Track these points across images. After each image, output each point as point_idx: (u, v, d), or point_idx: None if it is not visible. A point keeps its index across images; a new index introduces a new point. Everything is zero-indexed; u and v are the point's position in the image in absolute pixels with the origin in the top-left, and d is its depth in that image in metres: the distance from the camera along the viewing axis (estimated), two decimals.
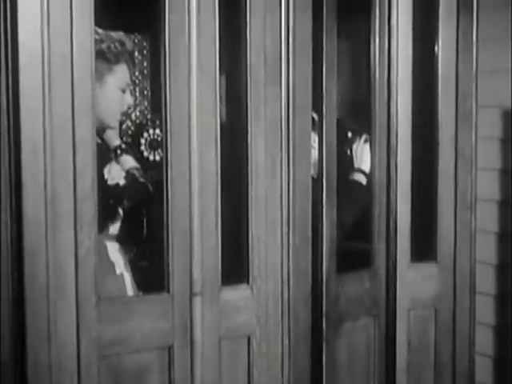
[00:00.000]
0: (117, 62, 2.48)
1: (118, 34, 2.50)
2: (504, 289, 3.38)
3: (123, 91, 2.53)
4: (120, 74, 2.50)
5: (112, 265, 2.53)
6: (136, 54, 3.26)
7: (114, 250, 2.55)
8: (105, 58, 2.44)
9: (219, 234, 2.36)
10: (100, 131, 2.47)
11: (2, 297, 2.05)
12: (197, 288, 2.33)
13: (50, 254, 2.07)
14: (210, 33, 2.31)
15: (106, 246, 2.51)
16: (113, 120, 2.55)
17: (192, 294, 2.32)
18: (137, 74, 3.28)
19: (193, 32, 2.28)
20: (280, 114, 2.45)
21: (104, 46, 2.43)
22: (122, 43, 2.49)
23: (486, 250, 3.33)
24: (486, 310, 3.36)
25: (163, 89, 2.27)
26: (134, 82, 3.24)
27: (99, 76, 2.37)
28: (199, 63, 2.29)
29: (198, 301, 2.33)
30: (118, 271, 2.55)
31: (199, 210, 2.32)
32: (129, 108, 2.65)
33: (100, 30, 2.40)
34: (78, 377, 2.14)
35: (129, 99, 2.57)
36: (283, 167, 2.46)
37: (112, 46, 2.45)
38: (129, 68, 2.56)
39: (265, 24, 2.40)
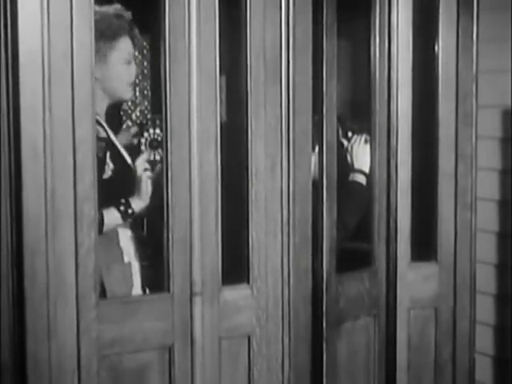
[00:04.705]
0: (117, 36, 2.46)
1: (115, 8, 2.48)
2: (504, 289, 3.38)
3: (128, 63, 2.52)
4: (122, 47, 2.49)
5: (121, 252, 2.50)
6: (136, 53, 3.26)
7: (125, 237, 2.52)
8: (106, 37, 2.42)
9: (219, 233, 2.36)
10: (116, 105, 2.48)
11: (2, 297, 2.05)
12: (197, 288, 2.33)
13: (50, 253, 2.07)
14: (210, 33, 2.31)
15: (117, 233, 2.49)
16: (125, 92, 2.56)
17: (192, 294, 2.32)
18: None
19: (193, 32, 2.28)
20: (280, 114, 2.45)
21: (103, 26, 2.40)
22: (120, 16, 2.47)
23: (486, 250, 3.33)
24: (486, 310, 3.36)
25: (163, 89, 2.27)
26: (133, 82, 3.24)
27: (103, 56, 2.40)
28: (199, 63, 2.29)
29: (198, 300, 2.33)
30: (126, 259, 2.52)
31: (199, 209, 2.32)
32: (137, 77, 2.66)
33: (97, 8, 2.36)
34: (78, 376, 2.14)
35: (133, 69, 2.57)
36: (283, 167, 2.46)
37: (110, 22, 2.44)
38: (131, 38, 2.53)
39: (265, 24, 2.40)
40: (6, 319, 2.06)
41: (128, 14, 2.52)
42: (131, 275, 2.52)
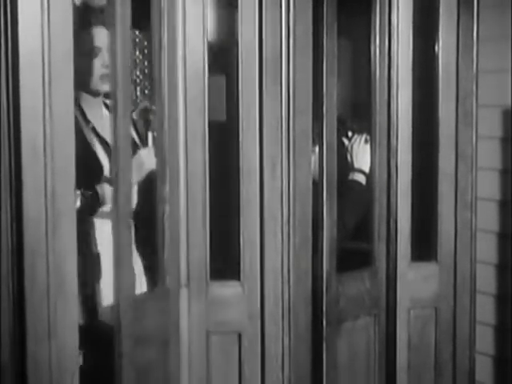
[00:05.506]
0: (79, 28, 2.41)
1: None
2: (504, 288, 3.38)
3: (95, 55, 2.49)
4: (86, 39, 2.47)
5: (94, 242, 2.49)
6: (137, 53, 3.26)
7: (103, 228, 2.50)
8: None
9: (207, 230, 2.37)
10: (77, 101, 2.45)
11: (2, 297, 2.05)
12: (182, 281, 2.33)
13: (50, 253, 2.07)
14: (197, 30, 2.31)
15: (93, 223, 2.48)
16: (97, 85, 2.52)
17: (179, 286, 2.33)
18: (137, 73, 3.29)
19: (179, 29, 2.29)
20: (280, 114, 2.45)
21: None
22: (86, 7, 2.47)
23: (486, 250, 3.33)
24: (486, 310, 3.36)
25: (158, 88, 2.28)
26: (134, 82, 3.25)
27: None
28: (184, 60, 2.29)
29: (184, 293, 2.33)
30: (95, 250, 2.50)
31: (185, 205, 2.33)
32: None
33: None
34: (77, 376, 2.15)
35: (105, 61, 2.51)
36: (283, 167, 2.46)
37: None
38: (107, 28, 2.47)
39: (265, 23, 2.40)
40: (6, 319, 2.05)
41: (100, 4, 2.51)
42: (99, 267, 2.50)
